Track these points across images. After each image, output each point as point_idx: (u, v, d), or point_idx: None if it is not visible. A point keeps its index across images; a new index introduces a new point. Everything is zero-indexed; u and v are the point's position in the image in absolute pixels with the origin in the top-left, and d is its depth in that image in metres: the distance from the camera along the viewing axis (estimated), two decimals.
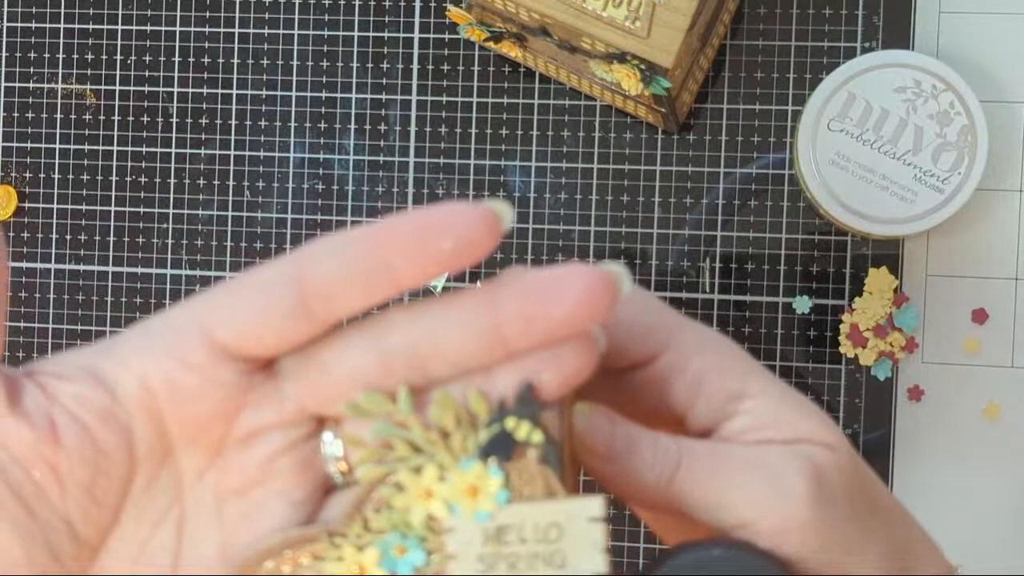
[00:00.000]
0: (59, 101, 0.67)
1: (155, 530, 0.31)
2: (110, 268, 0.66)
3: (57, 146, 0.67)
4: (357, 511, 0.30)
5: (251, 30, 0.65)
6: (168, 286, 0.66)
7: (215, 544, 0.31)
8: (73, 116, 0.67)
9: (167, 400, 0.30)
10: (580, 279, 0.28)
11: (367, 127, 0.65)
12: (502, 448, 0.30)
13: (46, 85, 0.67)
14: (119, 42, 0.66)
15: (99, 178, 0.66)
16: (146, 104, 0.66)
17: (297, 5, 0.65)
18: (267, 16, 0.65)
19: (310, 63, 0.65)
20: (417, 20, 0.64)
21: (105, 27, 0.66)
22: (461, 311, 0.29)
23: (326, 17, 0.65)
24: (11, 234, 0.67)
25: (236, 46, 0.65)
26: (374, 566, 0.30)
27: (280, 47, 0.65)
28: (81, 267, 0.66)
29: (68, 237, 0.67)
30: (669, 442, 0.32)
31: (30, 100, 0.67)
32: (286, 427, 0.31)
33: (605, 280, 0.29)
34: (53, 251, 0.67)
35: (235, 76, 0.65)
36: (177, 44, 0.66)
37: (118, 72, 0.66)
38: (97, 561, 0.30)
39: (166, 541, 0.31)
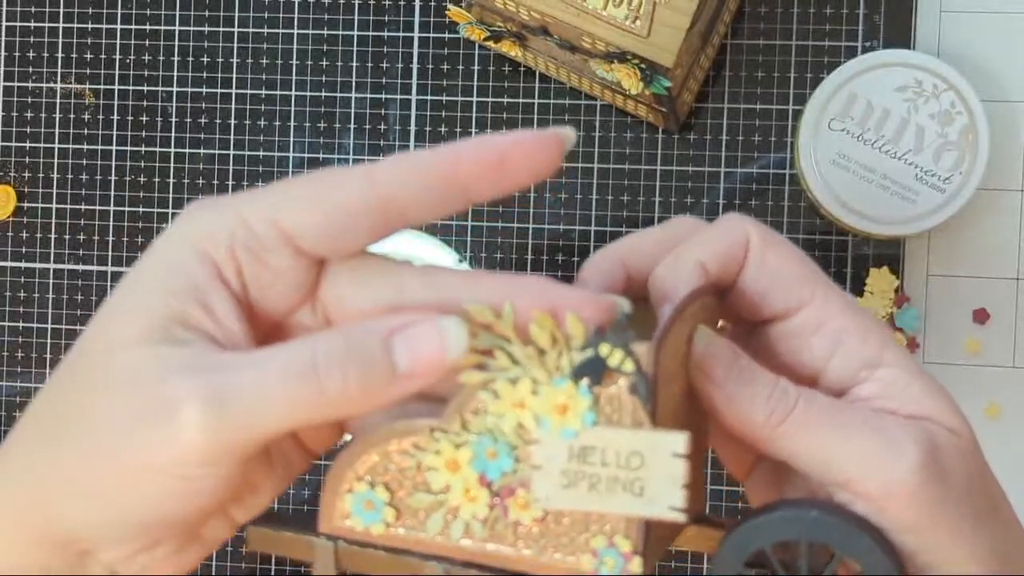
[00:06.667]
0: (58, 100, 0.67)
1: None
2: (109, 268, 0.66)
3: (56, 146, 0.66)
4: (458, 411, 0.32)
5: (250, 29, 0.65)
6: None
7: None
8: (72, 115, 0.66)
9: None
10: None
11: (367, 127, 0.65)
12: (593, 371, 0.31)
13: (45, 84, 0.67)
14: (118, 41, 0.66)
15: (98, 178, 0.66)
16: (145, 103, 0.66)
17: (297, 4, 0.65)
18: (267, 15, 0.65)
19: (310, 62, 0.65)
20: (417, 19, 0.64)
21: (104, 26, 0.66)
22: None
23: (326, 16, 0.65)
24: (10, 234, 0.67)
25: (235, 45, 0.65)
26: (467, 464, 0.32)
27: (280, 46, 0.65)
28: (80, 267, 0.66)
29: (67, 237, 0.66)
30: (790, 385, 0.33)
31: (29, 100, 0.67)
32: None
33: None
34: (52, 251, 0.67)
35: (234, 75, 0.65)
36: (176, 43, 0.66)
37: (117, 71, 0.66)
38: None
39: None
